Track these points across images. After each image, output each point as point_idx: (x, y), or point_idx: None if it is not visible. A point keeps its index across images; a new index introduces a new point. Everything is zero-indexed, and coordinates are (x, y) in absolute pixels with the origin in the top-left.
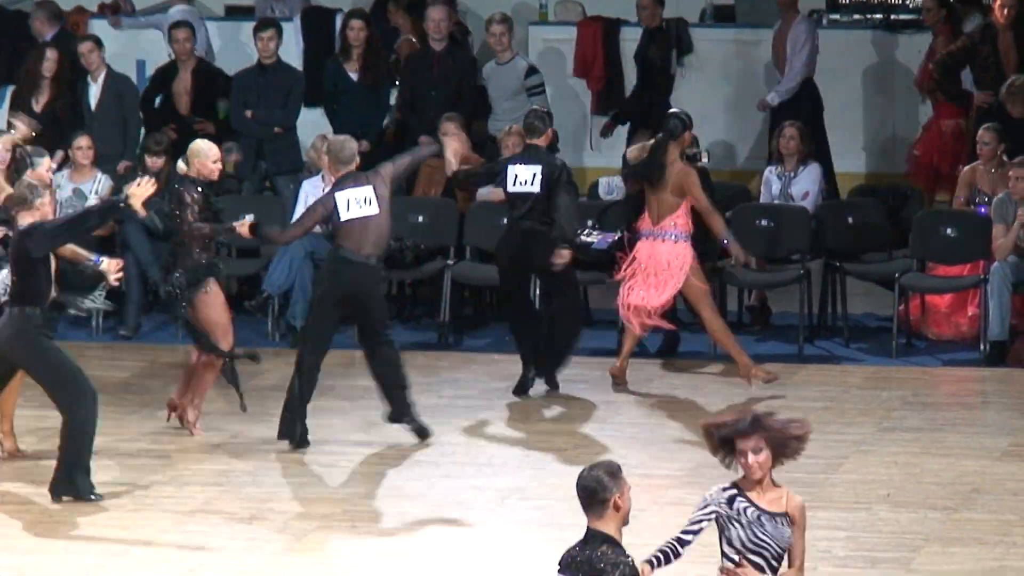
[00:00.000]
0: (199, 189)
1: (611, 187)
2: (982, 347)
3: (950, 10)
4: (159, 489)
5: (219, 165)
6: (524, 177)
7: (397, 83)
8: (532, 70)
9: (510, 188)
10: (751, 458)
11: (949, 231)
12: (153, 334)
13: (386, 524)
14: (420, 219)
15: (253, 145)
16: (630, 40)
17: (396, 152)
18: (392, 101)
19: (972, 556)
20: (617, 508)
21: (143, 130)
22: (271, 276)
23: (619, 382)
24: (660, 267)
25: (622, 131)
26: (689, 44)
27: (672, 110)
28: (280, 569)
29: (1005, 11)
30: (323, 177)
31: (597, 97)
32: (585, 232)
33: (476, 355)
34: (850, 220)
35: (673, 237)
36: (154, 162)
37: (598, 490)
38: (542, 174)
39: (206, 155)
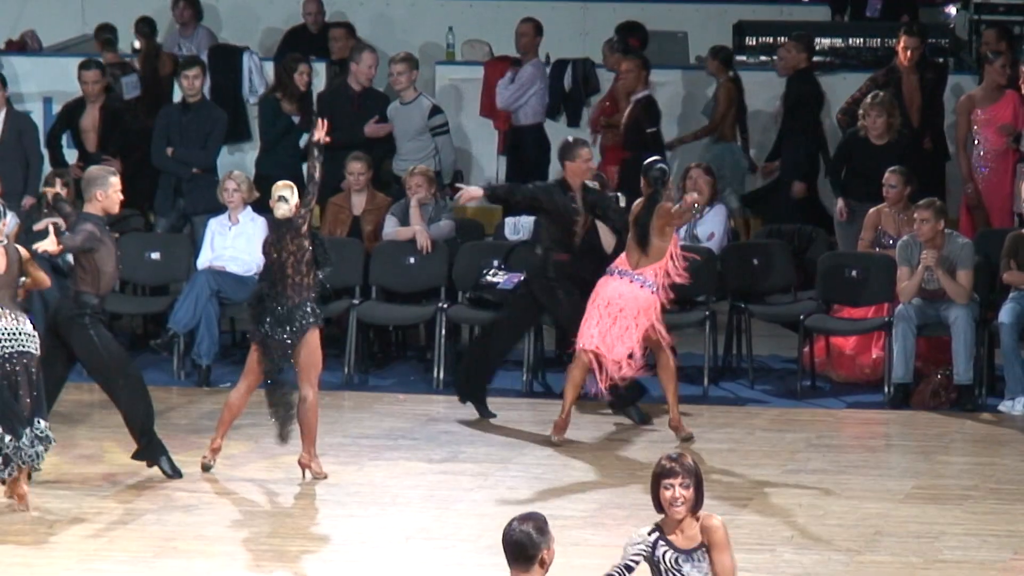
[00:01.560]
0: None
1: (517, 227)
2: (886, 389)
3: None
4: (62, 527)
5: None
6: None
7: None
8: (436, 110)
9: None
10: (679, 491)
11: (854, 273)
12: None
13: (290, 563)
14: None
15: (172, 182)
16: None
17: None
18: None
19: None
20: (543, 564)
21: (47, 166)
22: (176, 314)
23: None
24: (622, 309)
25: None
26: (596, 84)
27: (649, 160)
28: None
29: (908, 53)
30: (229, 215)
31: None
32: (491, 272)
33: (381, 395)
34: (755, 262)
35: (652, 286)
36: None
37: (528, 545)
38: None
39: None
